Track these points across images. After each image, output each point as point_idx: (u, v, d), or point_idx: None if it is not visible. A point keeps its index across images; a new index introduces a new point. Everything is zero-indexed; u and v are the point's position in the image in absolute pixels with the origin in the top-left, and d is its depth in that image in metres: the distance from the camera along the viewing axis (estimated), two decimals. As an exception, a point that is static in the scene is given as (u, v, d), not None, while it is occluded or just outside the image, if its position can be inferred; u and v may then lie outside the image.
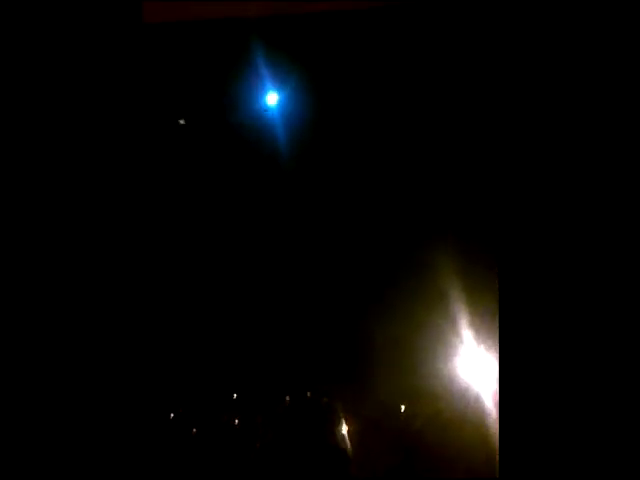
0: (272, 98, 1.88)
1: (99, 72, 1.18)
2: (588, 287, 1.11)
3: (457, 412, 1.62)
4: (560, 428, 1.10)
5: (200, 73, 1.89)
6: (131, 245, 1.18)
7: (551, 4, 1.16)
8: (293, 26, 1.87)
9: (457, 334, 1.68)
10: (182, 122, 1.74)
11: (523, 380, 1.13)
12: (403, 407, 1.69)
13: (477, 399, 1.61)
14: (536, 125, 1.13)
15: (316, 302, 1.81)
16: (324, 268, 1.85)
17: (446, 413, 1.64)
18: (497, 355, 1.29)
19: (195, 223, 1.89)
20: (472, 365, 1.66)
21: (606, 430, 1.08)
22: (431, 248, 1.78)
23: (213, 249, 1.88)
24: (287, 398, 1.79)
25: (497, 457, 1.14)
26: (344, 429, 1.74)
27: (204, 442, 1.77)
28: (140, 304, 1.20)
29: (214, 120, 1.88)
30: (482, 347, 1.66)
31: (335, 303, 1.81)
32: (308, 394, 1.76)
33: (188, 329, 1.84)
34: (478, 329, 1.68)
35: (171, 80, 1.88)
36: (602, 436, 1.08)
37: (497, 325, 1.10)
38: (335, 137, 1.90)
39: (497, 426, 1.19)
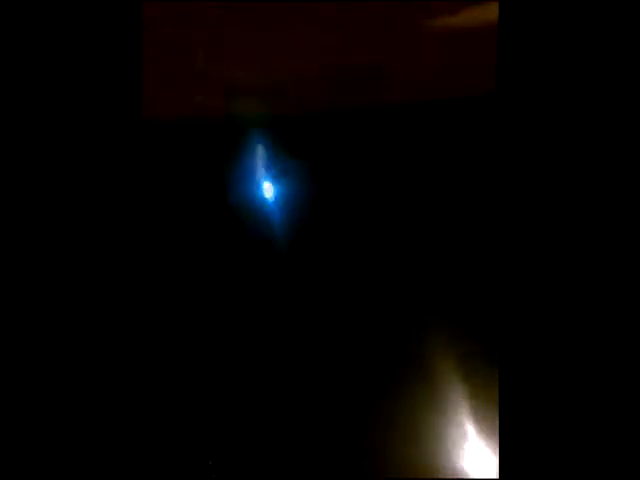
0: (269, 190, 1.90)
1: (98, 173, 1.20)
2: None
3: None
4: (560, 429, 1.10)
5: (196, 168, 1.93)
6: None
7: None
8: (292, 125, 1.92)
9: (458, 429, 1.71)
10: None
11: (523, 384, 1.13)
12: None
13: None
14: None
15: (309, 409, 1.82)
16: (316, 370, 1.86)
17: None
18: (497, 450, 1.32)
19: (193, 317, 1.91)
20: (473, 457, 1.69)
21: (606, 430, 1.09)
22: (430, 344, 1.80)
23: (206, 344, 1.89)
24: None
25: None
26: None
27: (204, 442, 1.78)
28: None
29: (210, 213, 1.92)
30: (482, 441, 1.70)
31: (332, 405, 1.81)
32: None
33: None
34: (479, 426, 1.72)
35: (168, 175, 1.91)
36: (602, 436, 1.09)
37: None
38: (332, 231, 1.93)
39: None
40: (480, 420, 1.68)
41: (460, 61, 1.77)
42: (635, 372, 1.08)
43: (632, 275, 1.11)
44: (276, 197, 1.88)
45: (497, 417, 1.15)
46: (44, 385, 1.14)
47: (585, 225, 1.14)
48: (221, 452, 1.77)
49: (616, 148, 1.14)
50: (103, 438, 1.14)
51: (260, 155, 1.87)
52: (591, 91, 1.15)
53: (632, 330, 1.09)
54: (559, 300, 1.12)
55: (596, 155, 1.15)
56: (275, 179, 1.88)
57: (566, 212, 1.15)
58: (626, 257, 1.12)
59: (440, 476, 1.64)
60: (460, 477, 1.61)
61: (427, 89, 1.82)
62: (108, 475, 1.14)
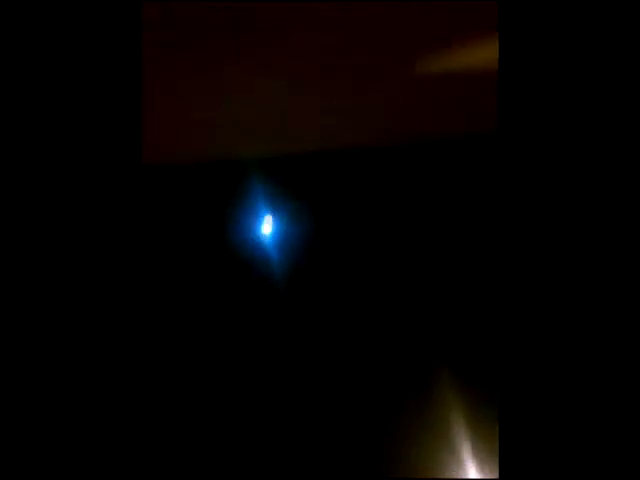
0: (267, 228, 1.91)
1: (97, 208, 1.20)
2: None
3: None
4: (560, 430, 1.10)
5: (196, 210, 1.95)
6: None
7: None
8: (291, 164, 1.93)
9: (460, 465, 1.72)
10: None
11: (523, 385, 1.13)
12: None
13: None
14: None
15: (314, 434, 1.82)
16: (319, 402, 1.86)
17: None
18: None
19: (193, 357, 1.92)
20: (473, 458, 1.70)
21: (606, 430, 1.09)
22: (431, 381, 1.81)
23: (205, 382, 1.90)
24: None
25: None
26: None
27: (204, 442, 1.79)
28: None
29: (209, 252, 1.93)
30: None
31: (334, 436, 1.82)
32: None
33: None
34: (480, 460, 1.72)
35: (166, 219, 1.92)
36: (602, 436, 1.09)
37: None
38: (331, 269, 1.94)
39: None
40: (482, 425, 1.69)
41: (457, 103, 1.77)
42: (635, 372, 1.10)
43: (632, 282, 1.12)
44: (275, 236, 1.91)
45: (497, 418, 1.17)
46: (44, 385, 1.16)
47: (583, 255, 1.15)
48: (223, 453, 1.77)
49: (618, 181, 1.16)
50: (103, 438, 1.16)
51: (259, 195, 1.89)
52: (593, 128, 1.17)
53: (632, 332, 1.11)
54: (558, 303, 1.15)
55: (597, 189, 1.16)
56: (274, 219, 1.91)
57: (566, 241, 1.16)
58: (625, 269, 1.13)
59: (441, 476, 1.65)
60: (460, 477, 1.61)
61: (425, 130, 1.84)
62: (108, 475, 1.15)
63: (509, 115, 1.19)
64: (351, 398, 1.80)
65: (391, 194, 1.94)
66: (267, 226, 1.93)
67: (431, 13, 1.42)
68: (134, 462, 1.17)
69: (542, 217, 1.17)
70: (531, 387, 1.13)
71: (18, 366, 1.15)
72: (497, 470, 1.53)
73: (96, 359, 1.17)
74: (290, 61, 1.61)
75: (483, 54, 1.55)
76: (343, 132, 1.88)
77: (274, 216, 1.92)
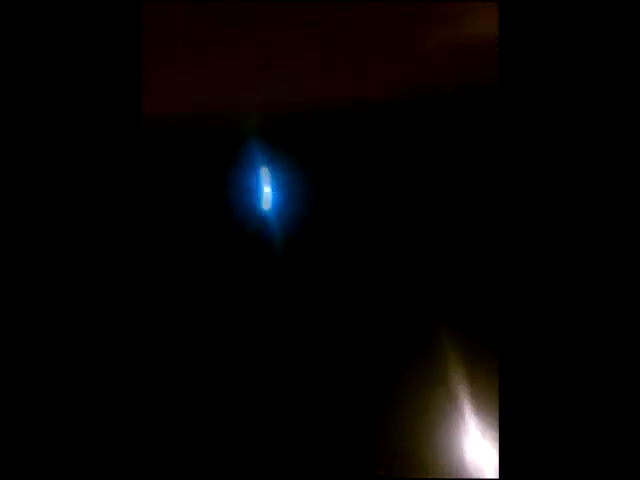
0: (267, 201, 1.87)
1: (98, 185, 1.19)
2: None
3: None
4: (560, 430, 1.10)
5: (194, 176, 1.91)
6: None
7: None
8: (292, 129, 1.90)
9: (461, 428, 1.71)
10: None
11: (522, 385, 1.12)
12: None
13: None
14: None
15: (315, 392, 1.81)
16: (323, 363, 1.85)
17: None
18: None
19: (192, 328, 1.90)
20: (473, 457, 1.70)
21: (606, 430, 1.08)
22: (432, 338, 1.80)
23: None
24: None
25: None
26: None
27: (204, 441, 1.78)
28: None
29: (208, 225, 1.89)
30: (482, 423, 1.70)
31: (335, 392, 1.80)
32: None
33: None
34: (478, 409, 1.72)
35: (164, 187, 1.90)
36: (602, 436, 1.08)
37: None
38: (334, 242, 1.90)
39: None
40: (482, 418, 1.68)
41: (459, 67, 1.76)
42: (635, 372, 1.08)
43: (632, 275, 1.11)
44: (274, 205, 1.87)
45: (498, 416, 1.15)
46: (44, 385, 1.14)
47: (586, 225, 1.14)
48: (223, 452, 1.76)
49: (618, 149, 1.14)
50: (103, 438, 1.14)
51: (257, 162, 1.86)
52: (592, 92, 1.15)
53: (632, 329, 1.09)
54: (559, 299, 1.12)
55: (597, 155, 1.14)
56: (273, 186, 1.87)
57: (567, 210, 1.14)
58: (626, 256, 1.12)
59: (442, 475, 1.64)
60: (460, 477, 1.61)
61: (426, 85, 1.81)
62: (108, 475, 1.14)
63: (510, 70, 1.17)
64: (346, 363, 1.79)
65: (390, 156, 1.91)
66: (266, 193, 1.89)
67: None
68: (134, 456, 1.15)
69: (543, 176, 1.15)
70: (531, 386, 1.11)
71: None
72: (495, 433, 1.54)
73: (91, 327, 1.14)
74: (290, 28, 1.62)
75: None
76: (344, 92, 1.85)
77: (273, 183, 1.88)
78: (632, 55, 1.13)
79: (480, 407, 1.71)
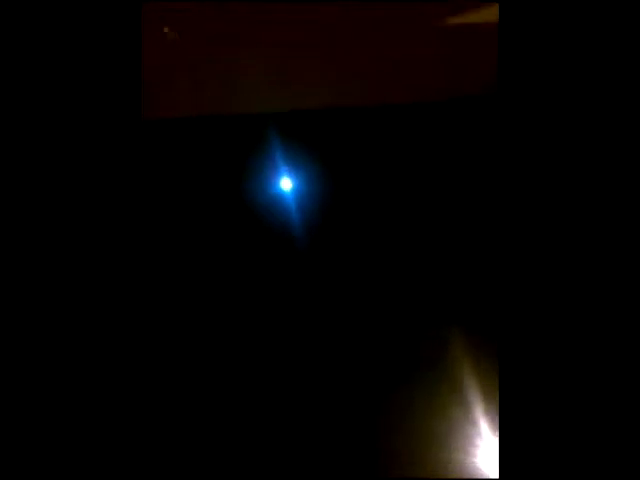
0: (286, 185, 1.85)
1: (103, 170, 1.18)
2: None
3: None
4: (560, 429, 1.10)
5: (210, 164, 1.89)
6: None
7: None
8: (309, 120, 1.89)
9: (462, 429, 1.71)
10: None
11: (523, 383, 1.12)
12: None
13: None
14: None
15: (323, 397, 1.80)
16: (332, 365, 1.83)
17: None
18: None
19: (204, 313, 1.88)
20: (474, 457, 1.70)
21: (606, 430, 1.09)
22: (438, 342, 1.80)
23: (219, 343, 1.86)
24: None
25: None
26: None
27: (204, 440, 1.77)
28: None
29: (225, 208, 1.87)
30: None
31: (346, 396, 1.79)
32: None
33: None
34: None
35: (181, 172, 1.88)
36: (602, 436, 1.08)
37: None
38: (351, 228, 1.89)
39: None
40: (485, 419, 1.68)
41: (460, 60, 1.76)
42: (635, 372, 1.08)
43: (632, 273, 1.10)
44: (291, 195, 1.85)
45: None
46: (44, 385, 1.14)
47: (585, 225, 1.14)
48: (226, 453, 1.76)
49: (618, 147, 1.14)
50: (103, 438, 1.15)
51: (274, 152, 1.83)
52: (593, 89, 1.15)
53: (632, 329, 1.09)
54: (559, 299, 1.12)
55: (597, 155, 1.14)
56: (290, 176, 1.84)
57: (567, 211, 1.14)
58: (626, 254, 1.11)
59: (443, 475, 1.64)
60: (460, 477, 1.60)
61: (429, 89, 1.81)
62: (108, 475, 1.14)
63: (509, 75, 1.16)
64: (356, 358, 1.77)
65: (393, 154, 1.90)
66: (284, 183, 1.86)
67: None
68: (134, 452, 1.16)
69: (542, 178, 1.15)
70: (531, 385, 1.12)
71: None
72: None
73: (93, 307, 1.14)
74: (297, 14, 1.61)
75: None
76: (354, 89, 1.84)
77: (289, 174, 1.86)
78: (632, 56, 1.13)
79: (487, 409, 1.70)
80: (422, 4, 1.66)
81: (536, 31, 1.16)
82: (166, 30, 1.61)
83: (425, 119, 1.88)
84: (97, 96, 1.18)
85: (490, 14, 1.60)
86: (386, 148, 1.87)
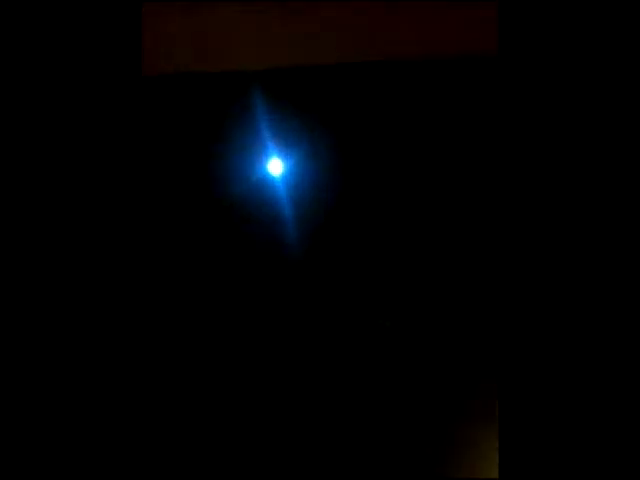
0: (276, 167, 1.75)
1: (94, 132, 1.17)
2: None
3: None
4: (561, 429, 1.09)
5: (195, 135, 1.81)
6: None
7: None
8: (300, 79, 1.79)
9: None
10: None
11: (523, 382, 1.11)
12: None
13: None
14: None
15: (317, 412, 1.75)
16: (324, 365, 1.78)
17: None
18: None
19: (193, 299, 1.81)
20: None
21: (606, 430, 1.08)
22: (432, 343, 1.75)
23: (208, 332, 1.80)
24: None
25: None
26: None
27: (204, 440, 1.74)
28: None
29: (211, 189, 1.79)
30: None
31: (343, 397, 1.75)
32: None
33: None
34: None
35: (165, 144, 1.81)
36: (602, 436, 1.08)
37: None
38: (344, 211, 1.78)
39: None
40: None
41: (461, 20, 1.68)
42: (635, 372, 1.08)
43: (632, 274, 1.09)
44: (283, 173, 1.74)
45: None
46: (44, 385, 1.14)
47: (589, 190, 1.11)
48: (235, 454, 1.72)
49: (619, 107, 1.12)
50: (103, 438, 1.14)
51: (263, 119, 1.72)
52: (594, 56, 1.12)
53: (632, 330, 1.08)
54: (559, 299, 1.11)
55: (598, 112, 1.12)
56: (282, 150, 1.72)
57: (570, 173, 1.12)
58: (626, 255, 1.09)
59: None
60: (460, 477, 1.58)
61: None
62: (108, 475, 1.14)
63: (511, 37, 1.14)
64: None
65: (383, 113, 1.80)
66: (274, 159, 1.74)
67: None
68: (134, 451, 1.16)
69: (544, 145, 1.13)
70: (532, 386, 1.10)
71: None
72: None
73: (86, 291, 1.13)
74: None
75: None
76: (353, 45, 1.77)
77: (280, 144, 1.74)
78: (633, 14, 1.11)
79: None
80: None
81: None
82: None
83: (423, 78, 1.78)
84: (98, 53, 1.18)
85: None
86: (380, 107, 1.77)
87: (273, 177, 1.73)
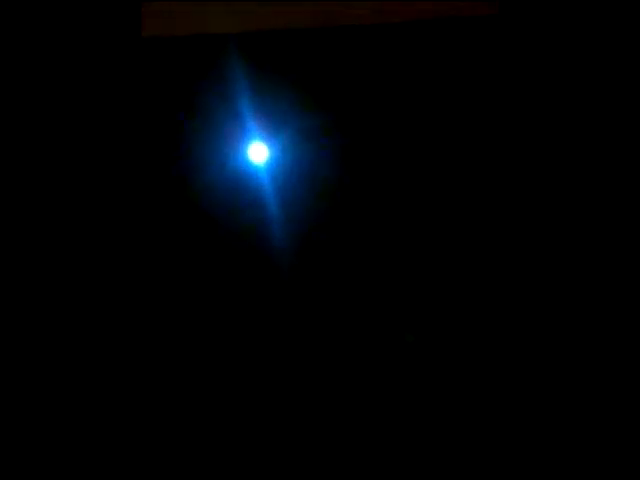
0: (260, 153, 1.61)
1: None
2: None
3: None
4: (561, 429, 1.10)
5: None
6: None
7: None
8: (281, 42, 1.68)
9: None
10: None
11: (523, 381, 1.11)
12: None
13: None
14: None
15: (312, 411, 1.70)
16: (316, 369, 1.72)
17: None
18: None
19: (179, 290, 1.71)
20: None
21: (606, 431, 1.09)
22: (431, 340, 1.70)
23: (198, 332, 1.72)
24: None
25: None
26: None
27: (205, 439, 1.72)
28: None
29: (192, 178, 1.65)
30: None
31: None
32: None
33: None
34: None
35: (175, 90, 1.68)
36: (602, 436, 1.09)
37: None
38: (343, 210, 1.63)
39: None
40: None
41: None
42: (635, 372, 1.09)
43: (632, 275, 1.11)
44: (268, 159, 1.57)
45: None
46: (44, 385, 1.16)
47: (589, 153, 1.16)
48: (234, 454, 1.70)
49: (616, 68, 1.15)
50: (103, 438, 1.16)
51: (244, 89, 1.55)
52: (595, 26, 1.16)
53: (632, 331, 1.09)
54: (559, 298, 1.13)
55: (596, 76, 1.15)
56: (266, 131, 1.55)
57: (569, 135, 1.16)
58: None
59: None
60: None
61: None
62: (108, 475, 1.15)
63: None
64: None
65: (385, 76, 1.70)
66: (257, 143, 1.59)
67: None
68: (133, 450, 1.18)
69: (541, 106, 1.17)
70: (531, 388, 1.12)
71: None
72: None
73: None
74: None
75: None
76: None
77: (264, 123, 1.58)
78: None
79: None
80: None
81: None
82: None
83: (422, 38, 1.70)
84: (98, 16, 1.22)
85: None
86: (377, 70, 1.67)
87: (255, 165, 1.61)
